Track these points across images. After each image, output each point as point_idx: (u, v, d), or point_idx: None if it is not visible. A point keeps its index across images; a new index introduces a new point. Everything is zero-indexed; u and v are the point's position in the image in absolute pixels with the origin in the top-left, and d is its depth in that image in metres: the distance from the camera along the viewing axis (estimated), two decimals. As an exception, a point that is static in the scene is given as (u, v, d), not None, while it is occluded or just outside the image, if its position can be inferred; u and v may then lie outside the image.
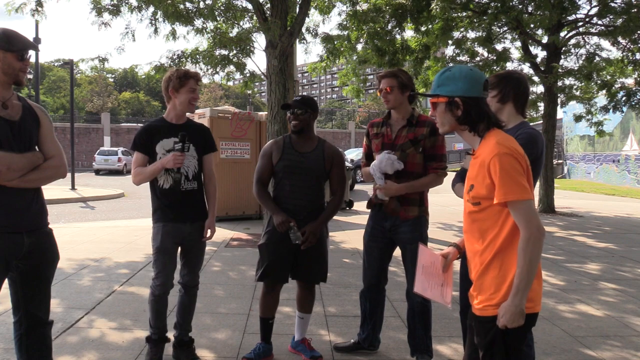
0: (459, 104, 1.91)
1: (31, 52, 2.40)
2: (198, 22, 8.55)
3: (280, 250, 3.22)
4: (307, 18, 9.29)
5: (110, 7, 8.43)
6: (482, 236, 1.89)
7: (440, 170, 3.27)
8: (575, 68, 12.96)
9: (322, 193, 3.38)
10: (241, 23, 9.51)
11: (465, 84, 1.91)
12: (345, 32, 11.73)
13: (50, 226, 2.52)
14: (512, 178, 1.78)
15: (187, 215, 3.22)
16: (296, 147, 3.31)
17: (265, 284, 3.32)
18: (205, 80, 10.08)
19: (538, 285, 1.87)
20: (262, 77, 9.09)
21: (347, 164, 14.97)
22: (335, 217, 11.22)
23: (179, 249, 3.28)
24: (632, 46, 12.72)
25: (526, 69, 14.67)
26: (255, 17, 8.84)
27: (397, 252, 3.43)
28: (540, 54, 14.14)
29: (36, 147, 2.43)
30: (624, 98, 13.37)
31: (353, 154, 23.46)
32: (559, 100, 13.88)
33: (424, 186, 3.28)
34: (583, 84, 13.46)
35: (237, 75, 9.83)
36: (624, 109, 14.07)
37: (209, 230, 3.34)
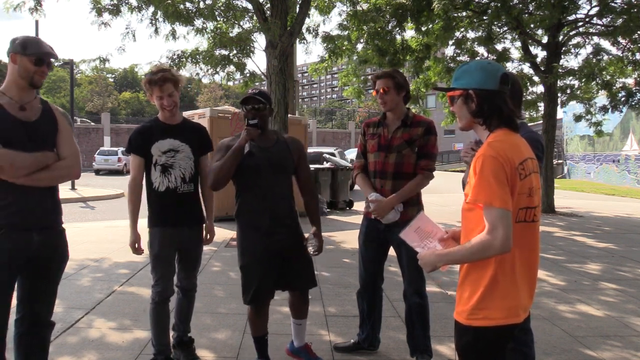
0: (472, 96, 1.89)
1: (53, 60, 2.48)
2: (198, 22, 8.56)
3: (266, 269, 3.00)
4: (307, 18, 9.30)
5: (110, 7, 8.43)
6: (467, 236, 1.87)
7: (426, 171, 3.23)
8: (576, 68, 12.96)
9: (292, 192, 3.14)
10: (241, 23, 9.51)
11: (480, 77, 1.88)
12: (346, 32, 11.73)
13: (63, 225, 2.55)
14: (488, 182, 1.74)
15: (184, 219, 3.15)
16: (258, 143, 3.01)
17: (255, 305, 3.09)
18: (205, 80, 10.08)
19: (512, 299, 1.82)
20: (262, 77, 9.10)
21: (346, 164, 15.02)
22: (335, 217, 11.26)
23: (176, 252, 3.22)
24: (632, 46, 12.71)
25: (526, 69, 14.69)
26: (255, 17, 8.84)
27: (394, 252, 3.41)
28: (540, 54, 14.16)
29: (54, 149, 2.47)
30: (623, 98, 13.37)
31: (353, 154, 23.41)
32: (559, 100, 13.88)
33: (413, 191, 3.22)
34: (583, 84, 13.45)
35: (237, 76, 9.83)
36: (624, 109, 14.07)
37: (208, 235, 3.27)
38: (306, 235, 3.16)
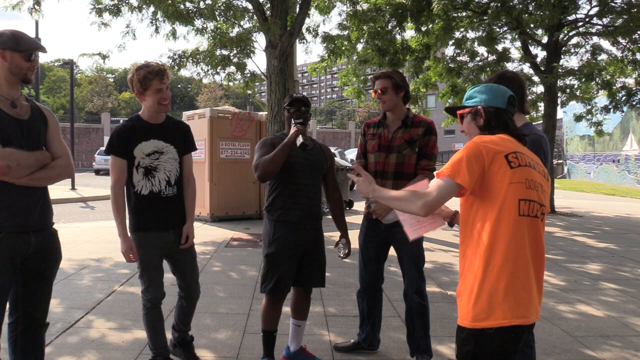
0: (481, 112, 1.99)
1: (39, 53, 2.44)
2: (198, 22, 8.55)
3: (292, 260, 3.07)
4: (307, 18, 9.29)
5: (110, 7, 8.43)
6: (464, 226, 1.94)
7: (427, 171, 3.24)
8: (576, 68, 12.96)
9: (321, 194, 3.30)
10: (241, 23, 9.51)
11: (489, 95, 2.00)
12: (346, 32, 11.73)
13: (54, 226, 2.54)
14: (459, 160, 1.83)
15: (169, 222, 3.02)
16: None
17: (273, 296, 3.11)
18: (205, 81, 10.07)
19: (518, 300, 1.77)
20: (262, 77, 9.10)
21: (347, 164, 15.02)
22: (335, 217, 11.26)
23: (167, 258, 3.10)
24: (632, 46, 12.72)
25: (526, 69, 14.70)
26: (255, 17, 8.85)
27: (394, 252, 3.41)
28: (540, 54, 14.16)
29: (43, 147, 2.45)
30: (624, 98, 13.37)
31: (353, 154, 23.43)
32: (559, 100, 13.88)
33: None
34: (583, 84, 13.45)
35: (238, 76, 9.82)
36: (624, 108, 14.07)
37: (187, 236, 3.07)
38: (334, 235, 3.27)
